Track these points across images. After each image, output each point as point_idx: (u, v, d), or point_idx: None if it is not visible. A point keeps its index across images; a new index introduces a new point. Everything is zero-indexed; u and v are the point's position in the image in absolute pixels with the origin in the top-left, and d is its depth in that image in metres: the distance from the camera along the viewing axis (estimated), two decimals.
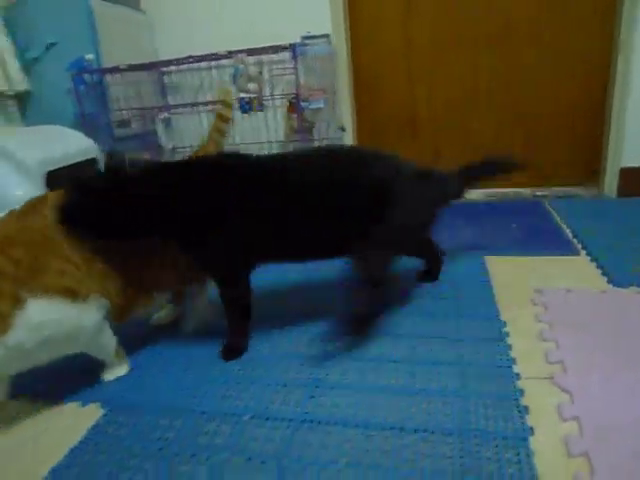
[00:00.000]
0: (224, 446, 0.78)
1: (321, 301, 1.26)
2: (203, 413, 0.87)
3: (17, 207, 0.99)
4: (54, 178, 1.48)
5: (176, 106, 2.25)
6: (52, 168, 1.48)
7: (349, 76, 2.10)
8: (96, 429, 0.86)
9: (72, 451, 0.81)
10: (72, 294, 0.88)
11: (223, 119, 1.24)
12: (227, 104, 1.25)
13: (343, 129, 2.02)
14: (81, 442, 0.83)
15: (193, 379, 0.97)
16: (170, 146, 2.30)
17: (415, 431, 0.77)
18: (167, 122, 2.31)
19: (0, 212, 1.42)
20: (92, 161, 1.66)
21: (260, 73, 1.73)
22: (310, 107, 1.69)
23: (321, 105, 1.74)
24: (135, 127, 2.16)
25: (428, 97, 2.16)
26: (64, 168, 1.53)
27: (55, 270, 0.87)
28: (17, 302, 0.81)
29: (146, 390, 0.96)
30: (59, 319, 0.87)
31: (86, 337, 0.92)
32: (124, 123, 2.10)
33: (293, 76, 1.75)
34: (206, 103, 2.12)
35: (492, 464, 0.69)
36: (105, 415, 0.90)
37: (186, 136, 2.32)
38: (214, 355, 1.05)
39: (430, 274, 1.32)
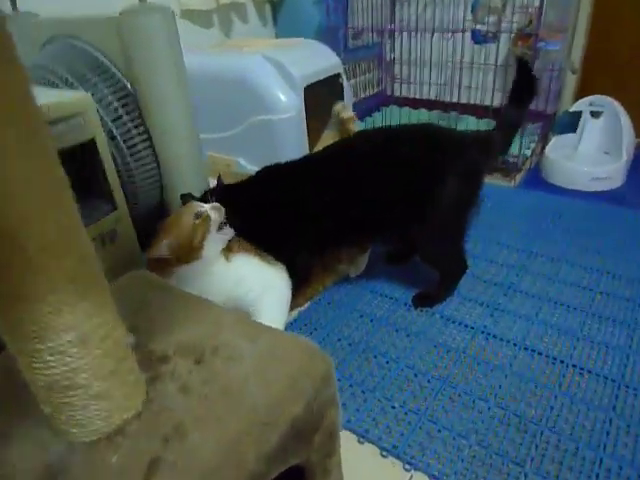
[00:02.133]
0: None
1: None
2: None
3: None
4: (310, 90, 1.81)
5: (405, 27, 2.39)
6: (311, 82, 1.81)
7: (588, 14, 2.02)
8: None
9: None
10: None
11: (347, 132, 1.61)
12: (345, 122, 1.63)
13: (574, 72, 2.00)
14: None
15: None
16: (391, 57, 2.51)
17: None
18: (391, 36, 2.48)
19: (271, 114, 1.81)
20: (337, 76, 1.95)
21: (503, 6, 1.77)
22: (546, 48, 1.73)
23: (557, 47, 1.76)
24: (365, 39, 2.38)
25: None
26: (319, 82, 1.84)
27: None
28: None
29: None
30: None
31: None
32: (357, 35, 2.33)
33: (531, 10, 1.77)
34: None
35: None
36: None
37: (406, 51, 2.49)
38: None
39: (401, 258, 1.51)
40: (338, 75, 1.95)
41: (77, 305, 0.52)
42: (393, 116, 2.39)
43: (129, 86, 1.22)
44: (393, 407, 1.06)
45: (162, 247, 1.05)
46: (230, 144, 1.95)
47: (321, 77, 1.86)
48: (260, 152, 1.86)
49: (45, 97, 1.05)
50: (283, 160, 1.81)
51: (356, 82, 2.39)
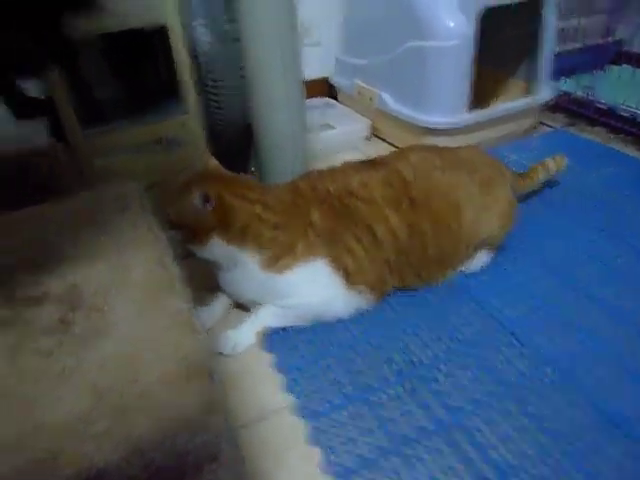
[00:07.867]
0: None
1: None
2: None
3: None
4: (490, 17, 1.36)
5: None
6: (491, 5, 1.35)
7: None
8: None
9: None
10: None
11: None
12: None
13: None
14: None
15: None
16: None
17: None
18: None
19: (429, 40, 1.44)
20: (535, 3, 1.43)
21: None
22: None
23: None
24: None
25: None
26: (505, 7, 1.37)
27: None
28: None
29: None
30: None
31: None
32: None
33: None
34: None
35: None
36: None
37: None
38: None
39: None
40: (537, 2, 1.42)
41: None
42: (621, 81, 1.68)
43: None
44: None
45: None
46: (378, 74, 1.63)
47: (508, 1, 1.36)
48: (409, 87, 1.51)
49: None
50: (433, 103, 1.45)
51: (568, 25, 1.77)
